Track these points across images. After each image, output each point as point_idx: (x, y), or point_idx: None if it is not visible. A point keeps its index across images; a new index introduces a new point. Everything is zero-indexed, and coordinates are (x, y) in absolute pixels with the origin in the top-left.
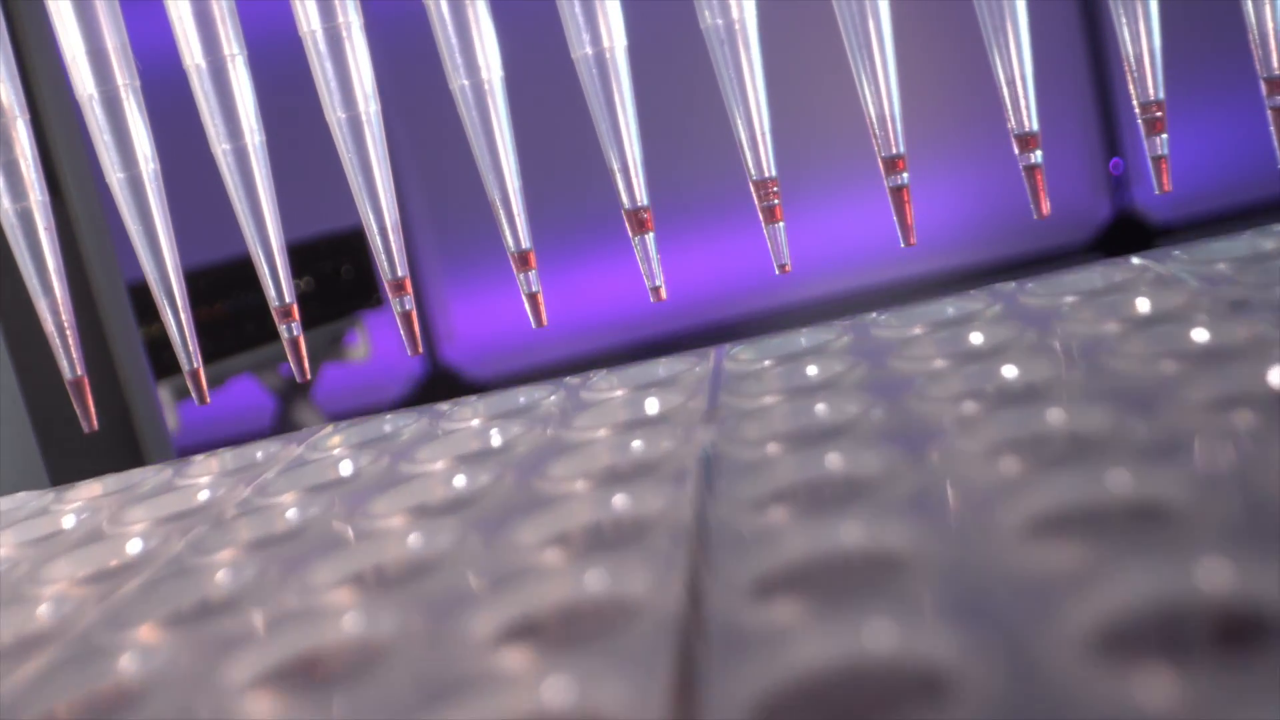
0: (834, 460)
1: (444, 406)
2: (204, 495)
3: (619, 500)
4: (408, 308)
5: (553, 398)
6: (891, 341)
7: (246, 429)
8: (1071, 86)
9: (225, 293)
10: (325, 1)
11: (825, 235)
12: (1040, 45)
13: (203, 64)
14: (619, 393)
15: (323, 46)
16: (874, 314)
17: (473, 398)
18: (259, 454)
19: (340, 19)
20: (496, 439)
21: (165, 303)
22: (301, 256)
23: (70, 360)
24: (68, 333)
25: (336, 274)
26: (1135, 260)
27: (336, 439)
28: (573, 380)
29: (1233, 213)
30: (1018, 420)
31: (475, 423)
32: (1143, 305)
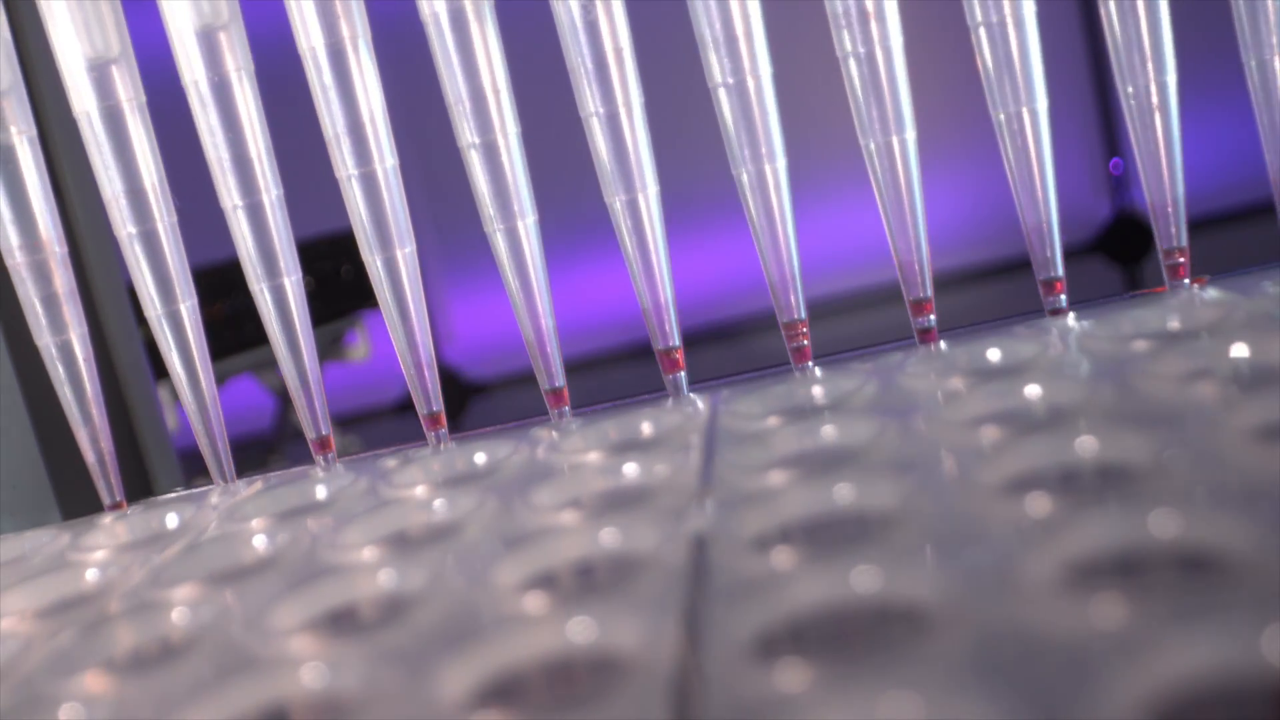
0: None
1: (391, 462)
2: (92, 575)
3: (583, 630)
4: (442, 438)
5: (515, 458)
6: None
7: (247, 429)
8: (1072, 86)
9: (225, 293)
10: (361, 146)
11: (825, 234)
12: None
13: (240, 203)
14: (592, 456)
15: (358, 189)
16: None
17: (426, 450)
18: (171, 519)
19: (375, 164)
20: (441, 513)
21: (201, 428)
22: (301, 256)
23: (110, 487)
24: (107, 461)
25: (336, 274)
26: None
27: (261, 502)
28: (540, 434)
29: (1232, 213)
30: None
31: (419, 490)
32: None
